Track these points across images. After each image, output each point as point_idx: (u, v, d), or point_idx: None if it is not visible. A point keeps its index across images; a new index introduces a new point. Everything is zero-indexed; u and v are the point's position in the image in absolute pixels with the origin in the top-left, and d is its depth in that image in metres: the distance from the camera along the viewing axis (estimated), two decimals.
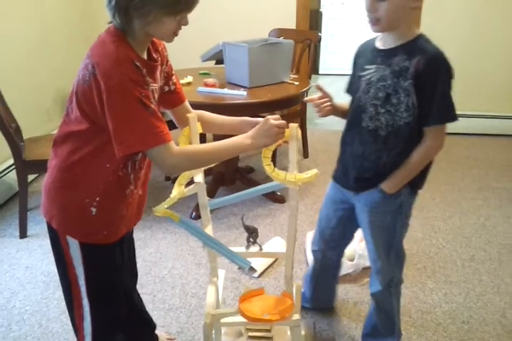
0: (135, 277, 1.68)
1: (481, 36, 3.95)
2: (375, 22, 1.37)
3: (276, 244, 2.43)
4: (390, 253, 1.63)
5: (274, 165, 1.35)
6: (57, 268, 1.38)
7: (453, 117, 1.41)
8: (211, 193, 2.93)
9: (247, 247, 1.56)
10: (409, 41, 1.40)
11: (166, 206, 1.30)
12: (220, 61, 2.99)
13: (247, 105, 2.53)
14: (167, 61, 1.37)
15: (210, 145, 1.31)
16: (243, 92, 2.55)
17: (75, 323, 1.42)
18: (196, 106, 2.54)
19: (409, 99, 1.38)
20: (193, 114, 1.41)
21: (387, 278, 1.67)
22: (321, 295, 2.00)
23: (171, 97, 1.42)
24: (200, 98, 2.56)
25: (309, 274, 1.97)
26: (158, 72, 1.27)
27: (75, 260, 1.31)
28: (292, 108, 3.23)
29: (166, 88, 1.39)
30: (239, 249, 1.55)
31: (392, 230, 1.59)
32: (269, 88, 2.62)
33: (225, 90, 2.59)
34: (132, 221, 1.42)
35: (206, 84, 2.66)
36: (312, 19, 4.82)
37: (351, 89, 1.58)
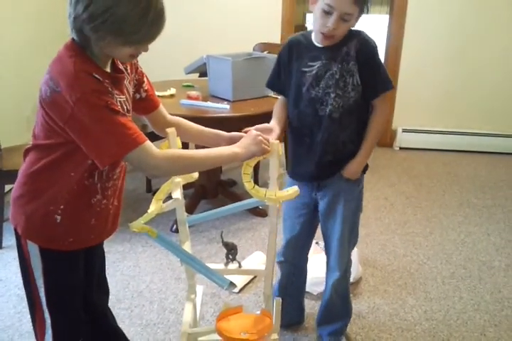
0: (106, 294, 1.63)
1: (461, 55, 4.01)
2: (331, 38, 1.52)
3: (256, 259, 2.40)
4: (351, 239, 1.77)
5: (256, 179, 1.33)
6: (22, 279, 1.37)
7: (392, 85, 1.62)
8: (192, 206, 2.90)
9: (226, 264, 1.53)
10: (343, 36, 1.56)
11: (142, 221, 1.28)
12: (203, 74, 2.98)
13: (229, 118, 2.52)
14: (137, 68, 1.35)
15: (196, 151, 1.28)
16: (226, 106, 2.54)
17: (37, 336, 1.39)
18: None
19: (353, 79, 1.55)
20: (173, 129, 1.39)
21: (346, 263, 1.79)
22: (289, 308, 1.96)
23: (144, 104, 1.40)
24: (182, 110, 2.53)
25: (276, 288, 1.95)
26: (125, 83, 1.26)
27: (36, 269, 1.30)
28: None
29: (138, 95, 1.37)
30: (217, 265, 1.53)
31: (355, 216, 1.76)
32: (252, 102, 2.62)
33: (208, 103, 2.58)
34: (105, 232, 1.39)
35: (189, 97, 2.65)
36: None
37: (279, 83, 1.69)
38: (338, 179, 1.66)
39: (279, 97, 1.77)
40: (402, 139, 4.20)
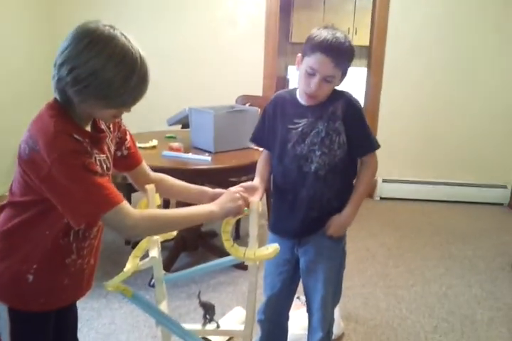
0: None
1: (437, 106, 4.14)
2: (314, 98, 1.56)
3: (236, 316, 2.34)
4: (334, 299, 1.75)
5: (238, 231, 1.33)
6: None
7: (377, 144, 1.65)
8: (172, 259, 2.84)
9: (204, 325, 1.48)
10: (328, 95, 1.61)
11: (118, 280, 1.25)
12: (186, 125, 3.02)
13: (211, 170, 2.53)
14: (120, 126, 1.36)
15: (174, 211, 1.28)
16: (207, 158, 2.55)
17: None
18: (160, 170, 2.54)
19: (340, 138, 1.58)
20: (152, 185, 1.39)
21: (329, 323, 1.76)
22: None
23: (126, 161, 1.41)
24: (164, 162, 2.54)
25: None
26: (107, 141, 1.27)
27: (2, 331, 1.24)
28: None
29: (119, 153, 1.38)
30: (194, 326, 1.48)
31: (339, 275, 1.75)
32: (233, 154, 2.64)
33: (190, 155, 2.59)
34: (78, 292, 1.35)
35: (171, 148, 2.66)
36: (279, 86, 4.98)
37: (263, 138, 1.72)
38: (321, 235, 1.65)
39: (262, 152, 1.78)
40: (383, 189, 4.24)
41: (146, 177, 1.46)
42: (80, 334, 2.16)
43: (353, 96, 1.63)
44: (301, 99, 1.62)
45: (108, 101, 1.12)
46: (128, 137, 1.40)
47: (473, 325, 2.42)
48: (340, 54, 1.50)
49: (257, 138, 1.76)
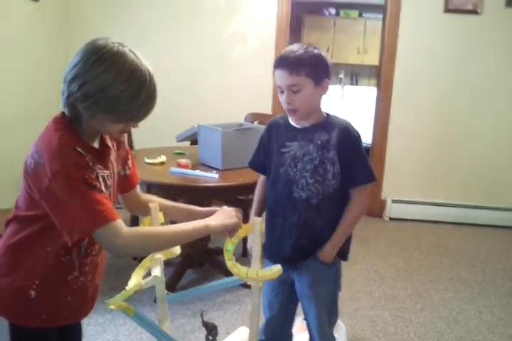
0: None
1: (448, 127, 4.11)
2: (294, 112, 1.56)
3: (240, 336, 2.28)
4: (330, 320, 1.73)
5: (245, 253, 1.31)
6: None
7: (374, 177, 1.61)
8: (178, 275, 2.82)
9: None
10: (322, 120, 1.60)
11: (120, 299, 1.23)
12: (194, 141, 3.02)
13: (218, 188, 2.52)
14: (124, 146, 1.38)
15: (166, 227, 1.25)
16: (215, 175, 2.54)
17: None
18: (168, 187, 2.55)
19: (334, 167, 1.56)
20: (156, 204, 1.38)
21: None
22: None
23: (124, 183, 1.40)
24: (172, 179, 2.54)
25: None
26: (111, 158, 1.28)
27: None
28: None
29: (122, 172, 1.38)
30: None
31: (333, 297, 1.72)
32: (241, 171, 2.62)
33: (197, 172, 2.58)
34: (82, 310, 1.35)
35: (179, 165, 2.66)
36: None
37: (260, 163, 1.74)
38: (314, 260, 1.63)
39: (259, 177, 1.80)
40: (392, 210, 4.20)
41: (138, 199, 1.46)
42: None
43: (351, 125, 1.60)
44: (292, 121, 1.63)
45: (117, 116, 1.14)
46: (130, 156, 1.42)
47: None
48: (292, 61, 1.50)
49: (254, 163, 1.79)
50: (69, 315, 1.32)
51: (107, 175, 1.24)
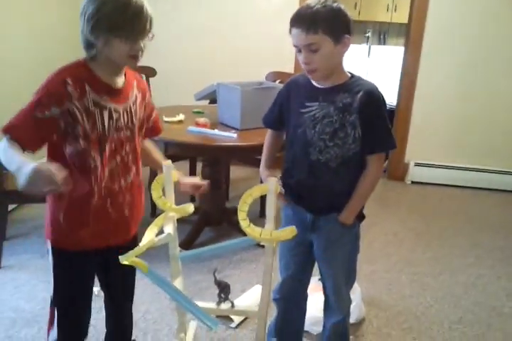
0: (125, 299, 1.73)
1: (475, 90, 3.95)
2: (313, 72, 1.48)
3: (255, 294, 2.31)
4: (349, 281, 1.73)
5: (263, 212, 1.30)
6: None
7: (395, 145, 1.55)
8: (196, 233, 2.85)
9: (218, 303, 1.46)
10: (345, 81, 1.52)
11: (133, 255, 1.23)
12: (213, 100, 2.97)
13: (236, 148, 2.48)
14: (149, 104, 1.56)
15: (13, 153, 1.25)
16: (233, 134, 2.50)
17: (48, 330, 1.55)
18: (185, 146, 2.52)
19: (355, 132, 1.50)
20: (169, 162, 1.36)
21: (345, 305, 1.75)
22: None
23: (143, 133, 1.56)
24: (190, 138, 2.51)
25: (272, 327, 1.87)
26: (134, 102, 1.44)
27: (52, 269, 1.46)
28: (282, 153, 3.19)
29: (146, 125, 1.55)
30: (208, 304, 1.46)
31: (352, 259, 1.70)
32: (260, 131, 2.55)
33: (216, 131, 2.55)
34: (107, 236, 1.46)
35: (197, 124, 2.62)
36: None
37: (272, 119, 1.70)
38: (333, 222, 1.60)
39: (267, 132, 1.77)
40: (415, 173, 4.12)
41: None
42: (100, 303, 2.20)
43: (376, 89, 1.52)
44: (313, 81, 1.55)
45: (114, 32, 1.26)
46: (153, 113, 1.60)
47: (501, 317, 2.34)
48: (308, 18, 1.40)
49: (266, 120, 1.74)
50: (93, 241, 1.43)
51: (121, 111, 1.38)
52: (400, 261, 2.83)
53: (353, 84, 1.51)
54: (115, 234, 1.48)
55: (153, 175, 3.15)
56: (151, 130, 1.61)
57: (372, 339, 2.14)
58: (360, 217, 1.65)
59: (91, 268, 1.53)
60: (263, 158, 1.75)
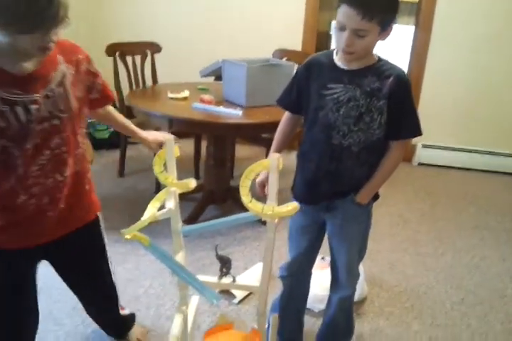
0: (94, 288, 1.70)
1: (486, 72, 3.88)
2: (349, 54, 1.42)
3: (258, 271, 2.32)
4: (360, 257, 1.74)
5: None
6: None
7: (421, 132, 1.53)
8: (200, 210, 2.86)
9: (220, 278, 1.46)
10: (373, 63, 1.47)
11: (135, 229, 1.23)
12: (219, 77, 2.94)
13: (241, 125, 2.46)
14: (90, 71, 1.41)
15: None
16: (238, 112, 2.48)
17: None
18: (190, 123, 2.51)
19: (381, 117, 1.47)
20: (171, 137, 1.34)
21: (353, 281, 1.76)
22: (288, 325, 1.92)
23: (92, 104, 1.46)
24: (194, 114, 2.49)
25: (277, 303, 1.90)
26: (40, 82, 1.24)
27: None
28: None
29: (86, 96, 1.41)
30: (210, 278, 1.46)
31: (365, 236, 1.71)
32: (266, 109, 2.55)
33: (220, 108, 2.52)
34: (45, 232, 1.38)
35: (202, 100, 2.60)
36: (321, 41, 4.76)
37: (289, 101, 1.63)
38: (348, 202, 1.59)
39: (285, 113, 1.71)
40: (422, 155, 4.09)
41: (104, 113, 1.59)
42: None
43: (405, 74, 1.49)
44: (338, 61, 1.49)
45: (6, 27, 1.07)
46: (98, 81, 1.45)
47: (503, 299, 2.34)
48: (368, 5, 1.32)
49: (283, 101, 1.67)
50: (28, 238, 1.36)
51: (41, 99, 1.22)
52: (404, 241, 2.82)
53: (381, 67, 1.46)
54: (61, 228, 1.41)
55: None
56: (100, 101, 1.48)
57: (373, 318, 2.16)
58: (375, 196, 1.64)
59: (15, 266, 1.41)
60: (275, 140, 1.70)
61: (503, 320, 2.18)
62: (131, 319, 1.95)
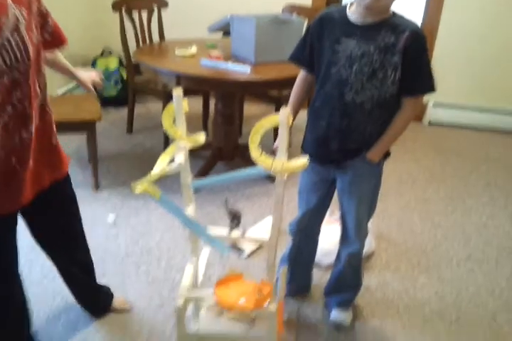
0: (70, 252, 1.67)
1: (501, 30, 3.74)
2: (370, 9, 1.40)
3: (267, 225, 2.35)
4: (369, 215, 1.75)
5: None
6: None
7: (435, 88, 1.50)
8: (208, 167, 2.87)
9: (230, 231, 1.48)
10: (387, 18, 1.43)
11: (146, 184, 1.24)
12: (228, 33, 2.87)
13: (249, 82, 2.43)
14: (41, 12, 1.27)
15: None
16: (247, 68, 2.43)
17: None
18: (197, 79, 2.48)
19: (396, 73, 1.43)
20: (179, 91, 1.31)
21: (363, 237, 1.78)
22: (297, 278, 1.97)
23: (46, 46, 1.32)
24: (202, 71, 2.46)
25: (286, 257, 1.94)
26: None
27: None
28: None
29: (39, 37, 1.26)
30: (221, 231, 1.48)
31: (375, 194, 1.71)
32: (275, 66, 2.50)
33: (229, 64, 2.47)
34: (21, 194, 1.30)
35: (210, 57, 2.56)
36: None
37: (303, 57, 1.60)
38: (360, 159, 1.58)
39: (300, 72, 1.68)
40: (433, 114, 4.02)
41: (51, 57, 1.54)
42: (117, 230, 2.25)
43: (421, 30, 1.45)
44: (352, 16, 1.45)
45: None
46: (49, 20, 1.31)
47: (510, 256, 2.36)
48: None
49: (296, 57, 1.64)
50: (4, 201, 1.28)
51: None
52: (413, 200, 2.83)
53: (395, 22, 1.42)
54: (35, 186, 1.35)
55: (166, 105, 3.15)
56: (51, 43, 1.35)
57: (380, 272, 2.19)
58: (387, 154, 1.64)
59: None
60: (290, 102, 1.69)
61: (509, 276, 2.21)
62: (108, 291, 1.89)
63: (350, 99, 1.48)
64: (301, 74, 1.67)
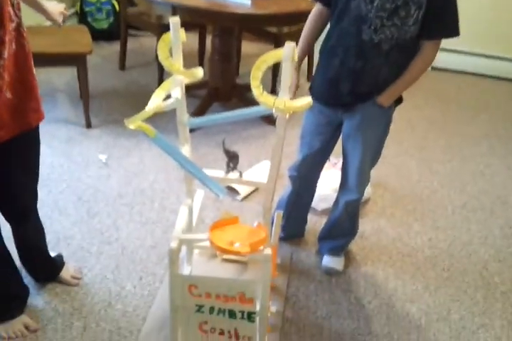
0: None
1: None
2: None
3: (263, 169, 2.32)
4: (372, 163, 1.70)
5: (274, 89, 1.19)
6: None
7: (458, 32, 1.41)
8: (204, 107, 2.78)
9: (227, 173, 1.43)
10: None
11: (139, 119, 1.16)
12: None
13: (248, 16, 2.29)
14: None
15: None
16: (247, 1, 2.28)
17: None
18: (194, 11, 2.33)
19: (419, 12, 1.35)
20: (177, 18, 1.20)
21: (364, 185, 1.75)
22: (292, 222, 1.97)
23: None
24: (199, 2, 2.31)
25: (284, 201, 1.92)
26: None
27: None
28: (301, 25, 2.96)
29: None
30: (217, 172, 1.43)
31: (381, 142, 1.67)
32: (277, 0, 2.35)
33: None
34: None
35: None
36: None
37: None
38: (370, 104, 1.51)
39: (316, 5, 1.55)
40: (436, 58, 3.87)
41: None
42: (108, 170, 2.18)
43: None
44: None
45: None
46: None
47: (504, 205, 2.36)
48: None
49: None
50: None
51: None
52: (411, 147, 2.79)
53: None
54: (16, 122, 1.30)
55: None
56: None
57: (375, 218, 2.19)
58: (399, 100, 1.57)
59: None
60: (301, 39, 1.58)
61: (503, 225, 2.22)
62: (60, 259, 1.78)
63: (367, 38, 1.40)
64: (316, 9, 1.56)
